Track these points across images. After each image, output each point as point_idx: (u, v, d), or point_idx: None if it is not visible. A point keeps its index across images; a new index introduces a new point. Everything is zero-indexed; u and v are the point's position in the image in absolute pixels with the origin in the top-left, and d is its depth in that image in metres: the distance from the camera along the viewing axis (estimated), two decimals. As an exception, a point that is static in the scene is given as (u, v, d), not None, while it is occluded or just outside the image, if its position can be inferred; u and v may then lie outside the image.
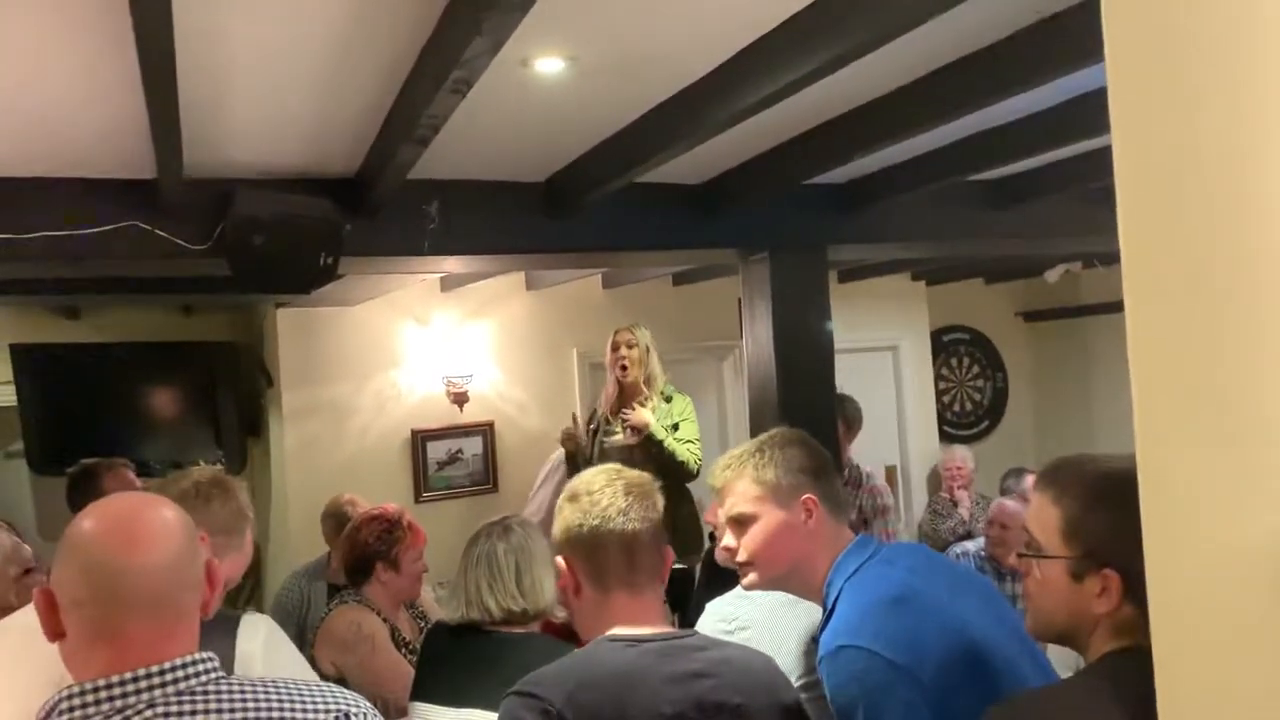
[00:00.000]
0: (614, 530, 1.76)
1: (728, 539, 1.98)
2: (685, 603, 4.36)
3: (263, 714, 1.33)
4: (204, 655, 1.35)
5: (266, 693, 1.37)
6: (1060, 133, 3.22)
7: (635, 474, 1.86)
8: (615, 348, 4.60)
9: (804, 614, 2.19)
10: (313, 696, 1.40)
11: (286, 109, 2.68)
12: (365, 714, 1.43)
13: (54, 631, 1.32)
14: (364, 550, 3.16)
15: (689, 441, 4.46)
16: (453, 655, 2.40)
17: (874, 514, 5.13)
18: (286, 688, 1.40)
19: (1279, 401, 0.94)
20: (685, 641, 1.76)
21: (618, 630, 1.73)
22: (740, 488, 1.95)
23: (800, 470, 1.95)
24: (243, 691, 1.34)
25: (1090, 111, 2.95)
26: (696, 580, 4.00)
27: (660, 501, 1.83)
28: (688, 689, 1.67)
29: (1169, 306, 1.02)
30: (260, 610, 6.09)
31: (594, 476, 1.83)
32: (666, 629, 1.78)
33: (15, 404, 5.68)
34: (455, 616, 2.43)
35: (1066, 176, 3.98)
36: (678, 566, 4.43)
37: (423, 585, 3.35)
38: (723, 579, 2.45)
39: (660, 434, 4.39)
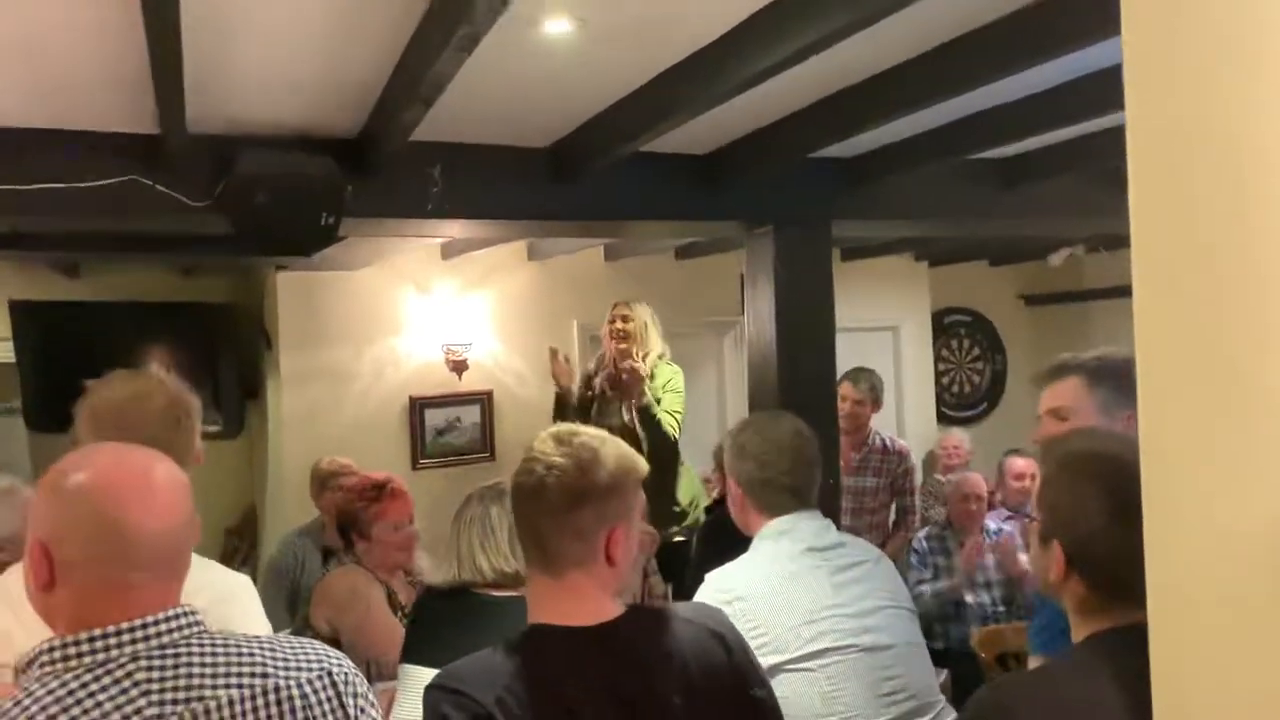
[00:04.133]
0: (524, 503, 1.64)
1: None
2: (680, 574, 4.37)
3: (244, 669, 1.33)
4: (185, 609, 1.34)
5: (250, 648, 1.36)
6: (1066, 112, 3.21)
7: (584, 437, 1.66)
8: (611, 321, 4.60)
9: (804, 587, 2.20)
10: (294, 653, 1.40)
11: (291, 64, 2.66)
12: (347, 672, 1.43)
13: (45, 581, 1.29)
14: (342, 519, 3.29)
15: (671, 412, 4.45)
16: (443, 617, 2.41)
17: (904, 475, 5.19)
18: (269, 643, 1.40)
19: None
20: (623, 632, 1.62)
21: (548, 621, 1.61)
22: (1067, 387, 2.07)
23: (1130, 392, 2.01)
24: (225, 647, 1.34)
25: (1096, 90, 2.96)
26: (696, 551, 4.00)
27: (601, 472, 1.61)
28: (622, 688, 1.55)
29: (1177, 288, 1.02)
30: (254, 571, 6.13)
31: (544, 438, 1.67)
32: (603, 617, 1.62)
33: (13, 361, 5.67)
34: (447, 578, 2.44)
35: (1071, 157, 3.97)
36: (676, 540, 4.47)
37: (416, 552, 3.34)
38: (720, 550, 2.45)
39: (653, 408, 4.40)
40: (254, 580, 5.35)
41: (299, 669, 1.37)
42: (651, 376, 4.50)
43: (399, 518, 3.20)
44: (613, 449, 1.67)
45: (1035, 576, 1.57)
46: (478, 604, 2.35)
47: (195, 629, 1.33)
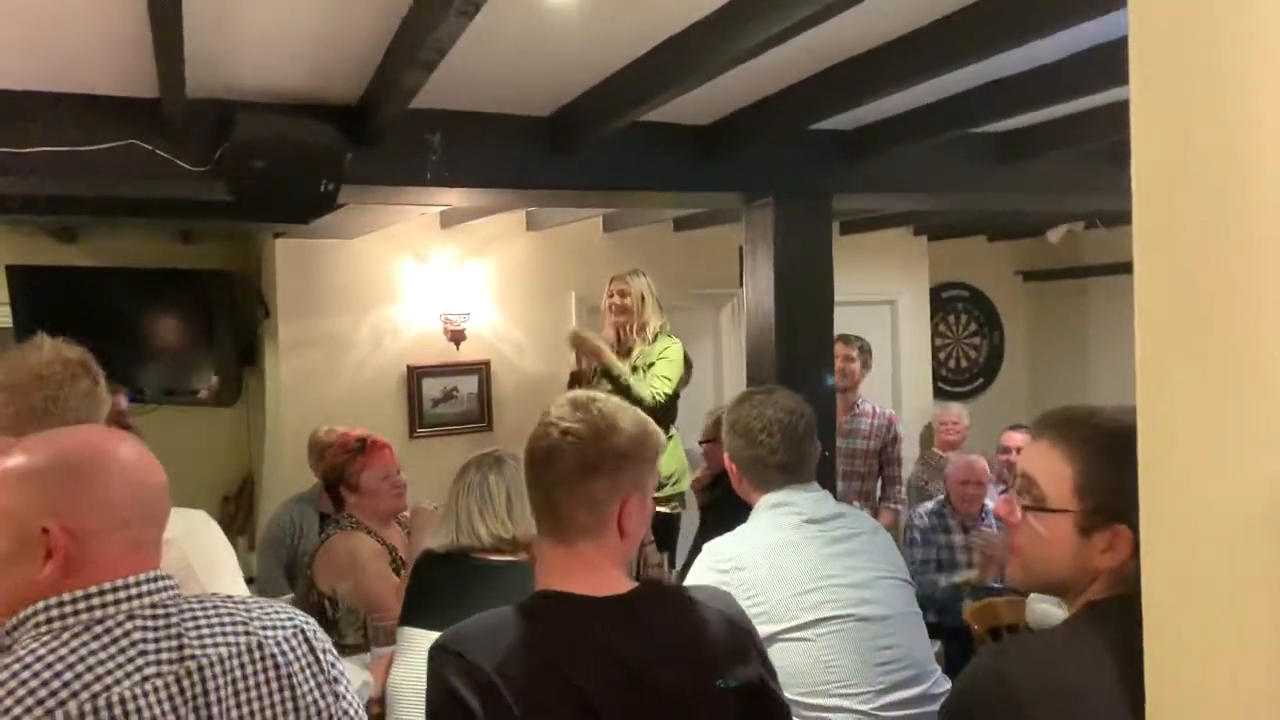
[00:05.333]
0: (538, 469, 1.61)
1: None
2: (672, 544, 4.40)
3: (229, 628, 1.37)
4: (161, 573, 1.37)
5: (229, 608, 1.41)
6: (1068, 86, 3.20)
7: (602, 404, 1.64)
8: (610, 295, 4.63)
9: (801, 557, 2.22)
10: (267, 612, 1.45)
11: (292, 28, 2.64)
12: (315, 629, 1.50)
13: (69, 561, 1.28)
14: (328, 478, 3.39)
15: (660, 378, 4.45)
16: (441, 581, 2.43)
17: (892, 443, 5.24)
18: (244, 604, 1.45)
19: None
20: (635, 606, 1.59)
21: (558, 587, 1.58)
22: None
23: None
24: (204, 606, 1.39)
25: (1098, 65, 2.95)
26: (700, 523, 4.03)
27: (618, 439, 1.59)
28: (630, 662, 1.51)
29: (1178, 262, 1.02)
30: (252, 539, 6.15)
31: (562, 403, 1.65)
32: (614, 589, 1.59)
33: (10, 326, 5.66)
34: (445, 543, 2.46)
35: (1072, 133, 3.95)
36: (660, 511, 4.51)
37: (405, 499, 3.40)
38: (722, 523, 2.48)
39: (615, 369, 4.41)
40: (251, 548, 5.35)
41: (276, 627, 1.43)
42: (654, 339, 4.56)
43: (386, 467, 3.30)
44: (631, 417, 1.64)
45: (1060, 568, 1.43)
46: (475, 569, 2.38)
47: (174, 591, 1.37)
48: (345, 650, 2.94)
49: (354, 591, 3.04)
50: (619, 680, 1.50)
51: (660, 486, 4.54)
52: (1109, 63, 2.79)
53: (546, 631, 1.53)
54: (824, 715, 2.11)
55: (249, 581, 5.12)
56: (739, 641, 1.64)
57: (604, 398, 1.67)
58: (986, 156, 4.26)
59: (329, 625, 3.06)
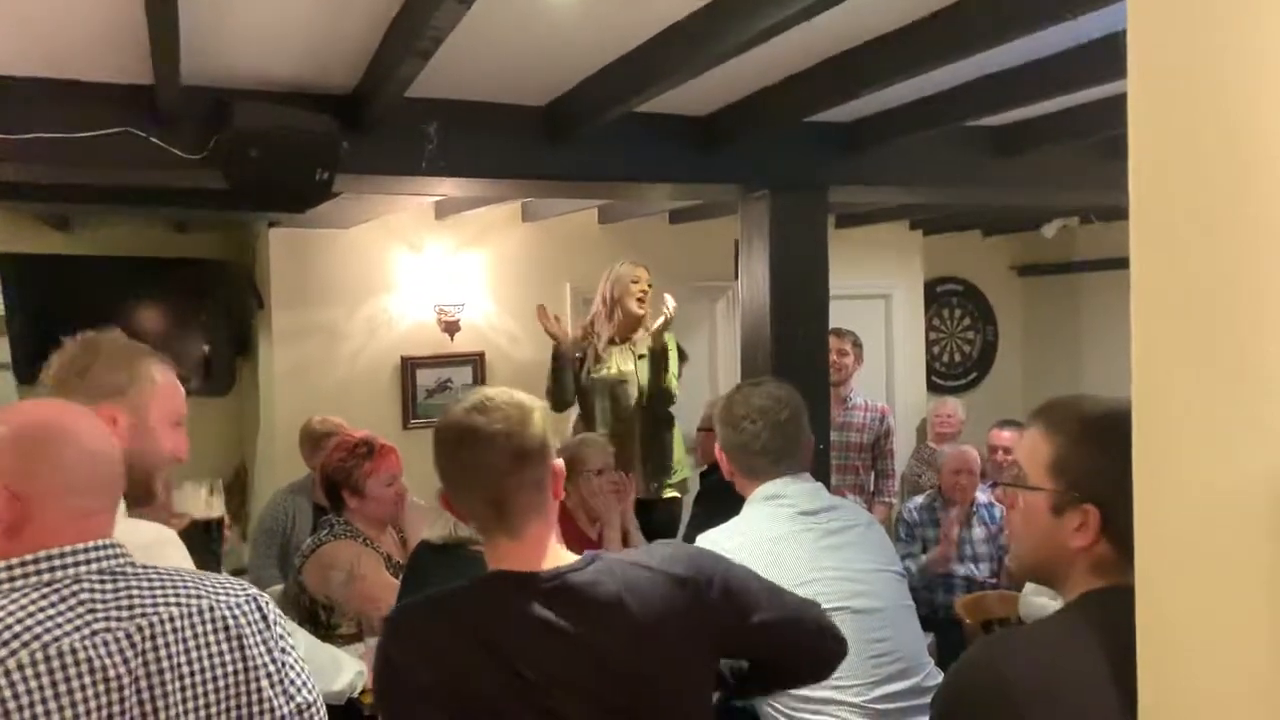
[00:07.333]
0: (477, 475, 1.64)
1: None
2: (670, 533, 4.40)
3: (180, 592, 1.43)
4: (114, 542, 1.42)
5: (180, 575, 1.46)
6: (1065, 79, 3.19)
7: (505, 398, 1.68)
8: (637, 280, 4.54)
9: (795, 550, 2.22)
10: (220, 582, 1.50)
11: (287, 15, 2.63)
12: (270, 602, 1.54)
13: (12, 523, 1.34)
14: (329, 479, 3.26)
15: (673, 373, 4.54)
16: (436, 571, 2.43)
17: (885, 436, 5.28)
18: (195, 574, 1.50)
19: (1278, 341, 0.94)
20: (571, 578, 1.63)
21: (506, 567, 1.64)
22: None
23: None
24: (159, 573, 1.44)
25: (1096, 58, 2.95)
26: (691, 514, 4.03)
27: (536, 418, 1.67)
28: (558, 632, 1.57)
29: (1175, 255, 1.02)
30: (245, 528, 6.15)
31: (466, 412, 1.66)
32: (558, 563, 1.65)
33: (3, 314, 5.64)
34: (442, 534, 2.46)
35: (1068, 127, 3.95)
36: (667, 495, 4.52)
37: (405, 508, 3.36)
38: (715, 514, 2.48)
39: (673, 356, 4.49)
40: (245, 537, 5.32)
41: (228, 594, 1.48)
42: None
43: (392, 471, 3.23)
44: (525, 399, 1.70)
45: (1038, 548, 1.46)
46: (471, 560, 2.37)
47: (126, 558, 1.42)
48: (340, 640, 2.93)
49: (348, 596, 3.01)
50: (554, 651, 1.57)
51: (672, 472, 4.56)
52: (1106, 56, 2.79)
53: (480, 603, 1.61)
54: (817, 708, 2.12)
55: (241, 572, 5.13)
56: (703, 599, 1.67)
57: (496, 392, 1.71)
58: (983, 150, 4.25)
59: (321, 625, 3.04)
